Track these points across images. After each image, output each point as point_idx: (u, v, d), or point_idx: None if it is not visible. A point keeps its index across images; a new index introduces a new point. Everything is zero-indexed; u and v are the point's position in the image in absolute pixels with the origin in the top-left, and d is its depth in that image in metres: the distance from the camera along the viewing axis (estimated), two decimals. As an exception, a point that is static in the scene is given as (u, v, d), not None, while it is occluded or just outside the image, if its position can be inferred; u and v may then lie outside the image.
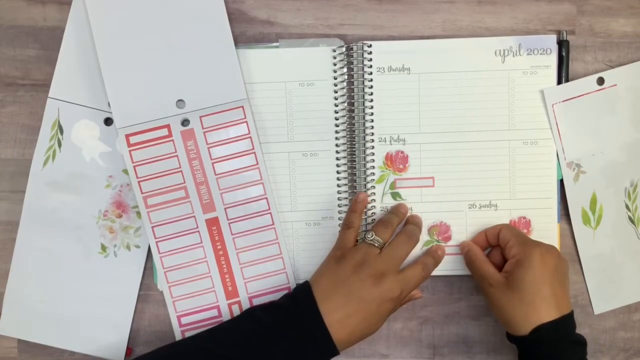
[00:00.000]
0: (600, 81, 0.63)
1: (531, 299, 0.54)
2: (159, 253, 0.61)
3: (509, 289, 0.55)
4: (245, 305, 0.62)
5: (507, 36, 0.62)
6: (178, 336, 0.62)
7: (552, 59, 0.62)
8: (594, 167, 0.63)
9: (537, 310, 0.53)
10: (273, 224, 0.62)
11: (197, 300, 0.62)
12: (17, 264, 0.62)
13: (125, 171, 0.62)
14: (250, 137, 0.62)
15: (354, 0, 0.64)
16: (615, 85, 0.63)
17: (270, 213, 0.62)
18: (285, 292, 0.61)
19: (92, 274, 0.62)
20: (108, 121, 0.62)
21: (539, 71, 0.62)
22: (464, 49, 0.62)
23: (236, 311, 0.62)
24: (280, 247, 0.62)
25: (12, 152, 0.63)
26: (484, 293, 0.58)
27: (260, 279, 0.62)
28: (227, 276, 0.61)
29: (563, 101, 0.62)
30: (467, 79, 0.62)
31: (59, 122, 0.62)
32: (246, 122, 0.61)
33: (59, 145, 0.62)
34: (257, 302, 0.62)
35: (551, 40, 0.62)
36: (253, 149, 0.62)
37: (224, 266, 0.61)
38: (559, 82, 0.63)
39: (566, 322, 0.54)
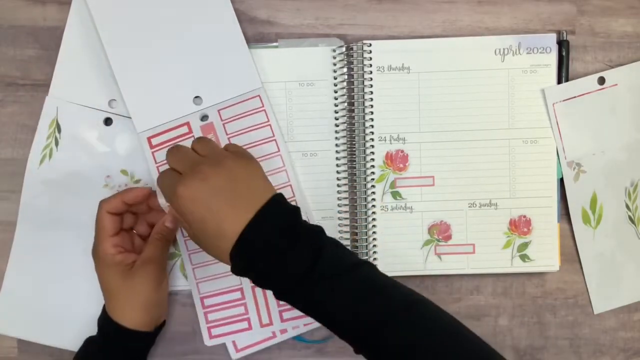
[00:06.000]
0: (601, 81, 0.63)
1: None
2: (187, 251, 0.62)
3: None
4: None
5: (506, 35, 0.63)
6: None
7: (552, 58, 0.62)
8: (595, 166, 0.63)
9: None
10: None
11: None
12: (14, 263, 0.61)
13: (124, 172, 0.62)
14: (270, 125, 0.61)
15: (353, 0, 0.64)
16: (616, 85, 0.63)
17: (295, 200, 0.62)
18: None
19: (90, 273, 0.61)
20: (108, 121, 0.62)
21: (538, 70, 0.62)
22: (463, 48, 0.62)
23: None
24: None
25: (12, 152, 0.63)
26: None
27: None
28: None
29: (564, 100, 0.62)
30: (467, 78, 0.62)
31: (57, 121, 0.62)
32: (264, 110, 0.61)
33: (56, 143, 0.62)
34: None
35: (551, 39, 0.62)
36: (273, 136, 0.61)
37: None
38: (559, 82, 0.62)
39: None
